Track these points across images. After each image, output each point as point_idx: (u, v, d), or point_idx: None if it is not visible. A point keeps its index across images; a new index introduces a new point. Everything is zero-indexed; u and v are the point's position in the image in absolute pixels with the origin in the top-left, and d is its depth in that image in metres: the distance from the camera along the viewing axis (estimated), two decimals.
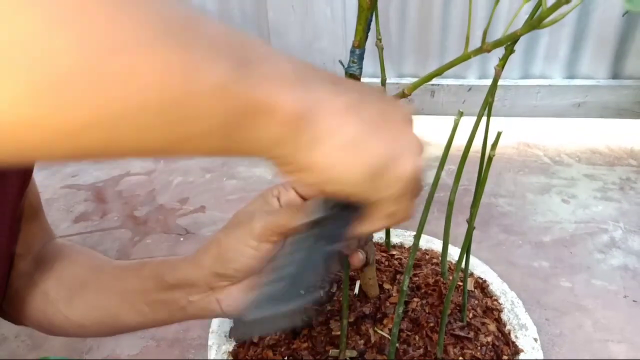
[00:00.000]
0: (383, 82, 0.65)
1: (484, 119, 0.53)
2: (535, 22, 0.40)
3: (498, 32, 1.45)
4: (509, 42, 0.44)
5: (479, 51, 0.43)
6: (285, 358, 0.63)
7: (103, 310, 0.49)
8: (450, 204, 0.63)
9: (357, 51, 0.47)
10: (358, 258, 0.46)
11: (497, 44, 0.42)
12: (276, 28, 1.60)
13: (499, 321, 0.70)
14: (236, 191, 1.39)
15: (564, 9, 0.35)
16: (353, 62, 0.48)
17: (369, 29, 0.49)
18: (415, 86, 0.47)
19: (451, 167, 1.36)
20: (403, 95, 0.48)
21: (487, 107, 0.50)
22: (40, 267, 0.52)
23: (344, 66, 0.50)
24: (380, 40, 0.61)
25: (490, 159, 0.49)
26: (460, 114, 0.45)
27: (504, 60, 0.45)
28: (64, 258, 0.53)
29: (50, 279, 0.51)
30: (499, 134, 0.46)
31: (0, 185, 0.45)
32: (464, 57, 0.43)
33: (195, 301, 0.46)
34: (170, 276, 0.46)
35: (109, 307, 0.49)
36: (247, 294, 0.44)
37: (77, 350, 0.93)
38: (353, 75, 0.50)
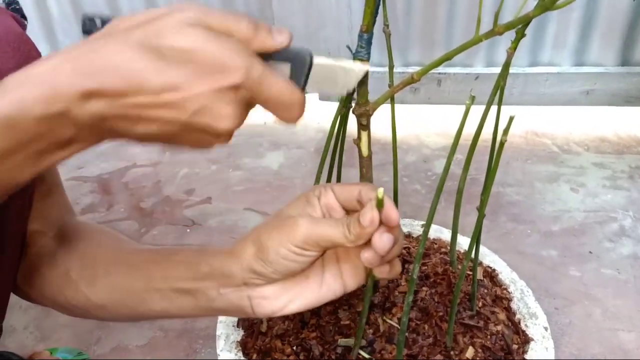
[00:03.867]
0: (391, 69, 0.64)
1: (493, 107, 0.52)
2: (548, 3, 0.39)
3: (506, 19, 1.43)
4: (521, 25, 0.43)
5: (490, 34, 0.42)
6: (294, 347, 0.62)
7: (127, 292, 0.48)
8: (460, 191, 0.63)
9: (365, 36, 0.47)
10: (383, 270, 0.44)
11: (509, 26, 0.41)
12: (281, 16, 1.58)
13: (508, 310, 0.69)
14: (242, 182, 1.38)
15: None
16: (361, 47, 0.47)
17: (376, 13, 0.48)
18: (424, 71, 0.46)
19: (458, 156, 1.35)
20: (412, 80, 0.47)
21: (498, 92, 0.49)
22: (63, 245, 0.52)
23: (351, 51, 0.49)
24: (387, 26, 0.60)
25: (502, 144, 0.48)
26: (472, 99, 0.44)
27: (515, 43, 0.44)
28: (87, 238, 0.52)
29: (72, 259, 0.50)
30: (511, 118, 0.45)
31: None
32: (475, 41, 0.43)
33: (225, 294, 0.45)
34: (205, 264, 0.45)
35: (135, 289, 0.48)
36: (281, 296, 0.44)
37: (86, 342, 0.94)
38: (361, 61, 0.49)
